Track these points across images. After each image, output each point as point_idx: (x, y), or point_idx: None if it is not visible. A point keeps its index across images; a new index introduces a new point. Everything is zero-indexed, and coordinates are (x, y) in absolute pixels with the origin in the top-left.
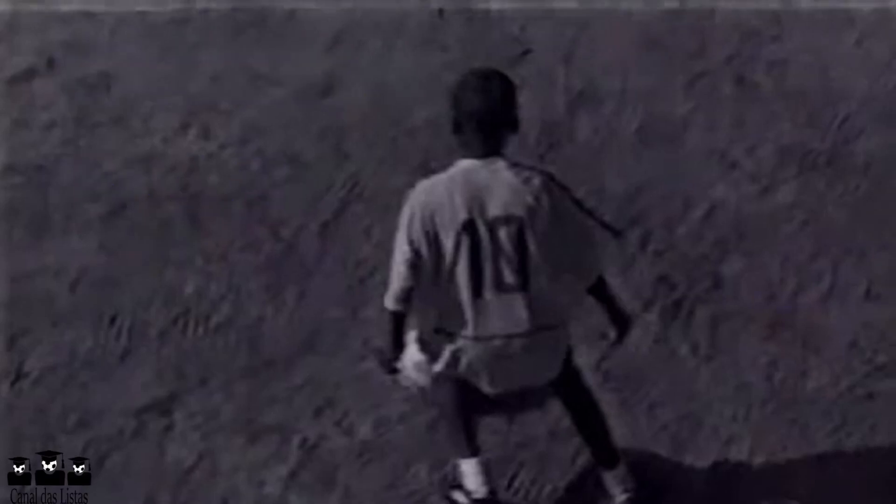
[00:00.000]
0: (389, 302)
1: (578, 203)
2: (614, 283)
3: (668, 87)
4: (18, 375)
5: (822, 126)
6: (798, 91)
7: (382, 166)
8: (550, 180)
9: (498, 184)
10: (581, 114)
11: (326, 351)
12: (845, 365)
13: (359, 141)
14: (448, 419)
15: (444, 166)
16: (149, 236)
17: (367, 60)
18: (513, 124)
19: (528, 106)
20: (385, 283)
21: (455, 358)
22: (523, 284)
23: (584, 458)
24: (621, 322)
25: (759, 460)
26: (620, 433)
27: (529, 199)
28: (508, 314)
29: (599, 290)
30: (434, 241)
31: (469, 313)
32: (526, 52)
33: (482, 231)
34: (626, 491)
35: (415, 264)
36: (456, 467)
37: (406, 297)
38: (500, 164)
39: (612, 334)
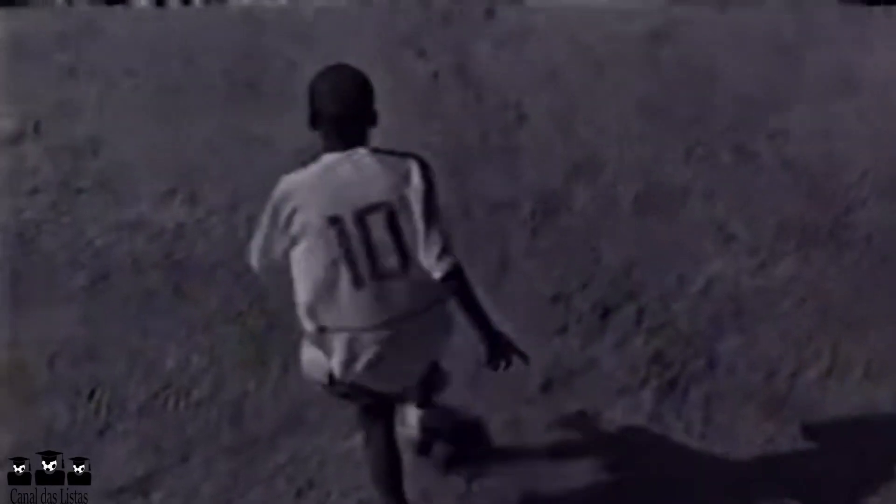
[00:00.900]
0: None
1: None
2: (608, 360)
3: (666, 155)
4: None
5: (823, 198)
6: (799, 162)
7: None
8: (420, 163)
9: (362, 174)
10: (578, 183)
11: (310, 428)
12: (844, 445)
13: None
14: (375, 474)
15: None
16: (131, 306)
17: None
18: (370, 118)
19: (524, 174)
20: None
21: (351, 353)
22: (403, 268)
23: None
24: (489, 330)
25: None
26: None
27: (397, 183)
28: (392, 299)
29: (459, 281)
30: (294, 237)
31: (352, 305)
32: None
33: (349, 224)
34: (424, 431)
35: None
36: None
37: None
38: (362, 153)
39: (485, 355)
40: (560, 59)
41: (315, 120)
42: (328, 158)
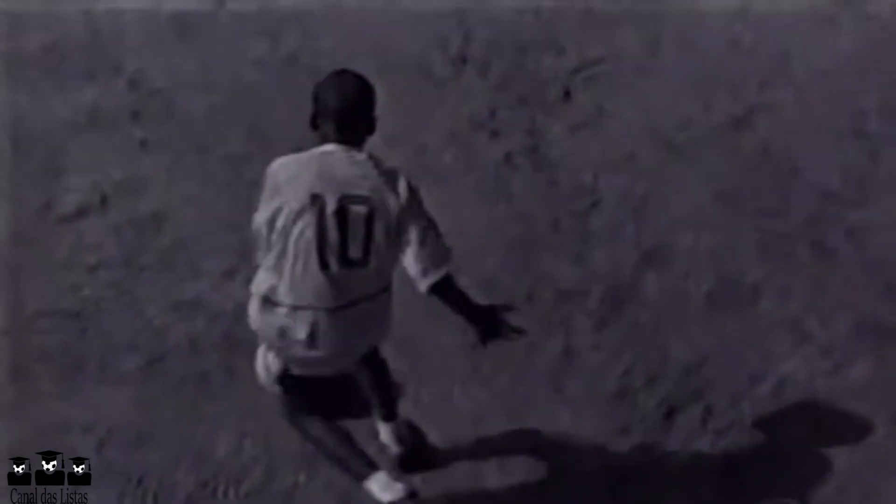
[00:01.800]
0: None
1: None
2: (671, 459)
3: (741, 248)
4: None
5: None
6: (879, 260)
7: (433, 326)
8: (404, 177)
9: (354, 166)
10: (649, 273)
11: None
12: None
13: (412, 296)
14: (332, 449)
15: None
16: (186, 389)
17: (429, 210)
18: (369, 125)
19: (595, 262)
20: None
21: (302, 330)
22: (365, 260)
23: None
24: (480, 317)
25: None
26: None
27: (383, 187)
28: (351, 285)
29: (446, 291)
30: (276, 211)
31: (313, 285)
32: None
33: (330, 206)
34: (401, 443)
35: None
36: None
37: None
38: (360, 153)
39: (476, 336)
40: (637, 143)
41: (316, 120)
42: (326, 146)
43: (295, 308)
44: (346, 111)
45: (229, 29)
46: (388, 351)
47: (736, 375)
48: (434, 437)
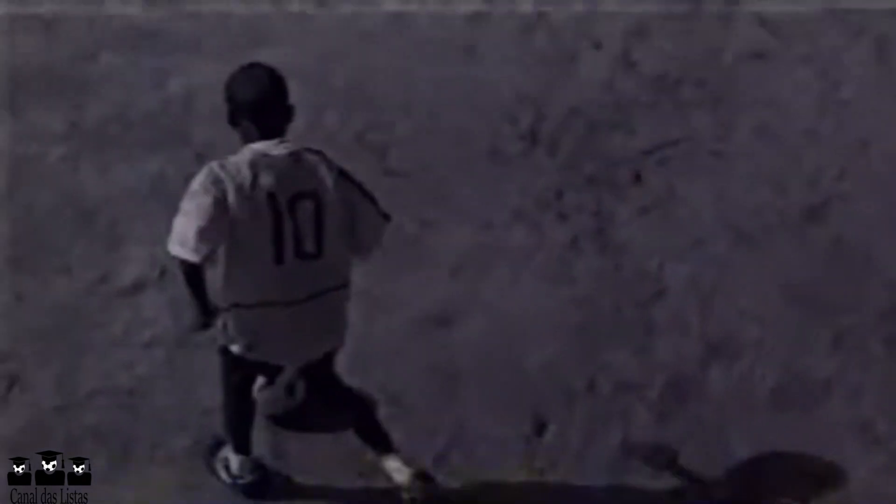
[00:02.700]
0: (189, 253)
1: (359, 186)
2: None
3: (811, 343)
4: None
5: None
6: None
7: (489, 415)
8: (329, 162)
9: (294, 162)
10: (713, 366)
11: None
12: None
13: (468, 382)
14: (232, 420)
15: (558, 416)
16: None
17: (490, 290)
18: (287, 113)
19: (658, 353)
20: None
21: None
22: (319, 252)
23: None
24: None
25: None
26: None
27: (322, 177)
28: (309, 278)
29: None
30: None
31: (271, 280)
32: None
33: (283, 204)
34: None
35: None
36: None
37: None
38: (288, 146)
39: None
40: (706, 230)
41: (234, 116)
42: (257, 145)
43: (259, 304)
44: (264, 103)
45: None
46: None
47: (801, 478)
48: None
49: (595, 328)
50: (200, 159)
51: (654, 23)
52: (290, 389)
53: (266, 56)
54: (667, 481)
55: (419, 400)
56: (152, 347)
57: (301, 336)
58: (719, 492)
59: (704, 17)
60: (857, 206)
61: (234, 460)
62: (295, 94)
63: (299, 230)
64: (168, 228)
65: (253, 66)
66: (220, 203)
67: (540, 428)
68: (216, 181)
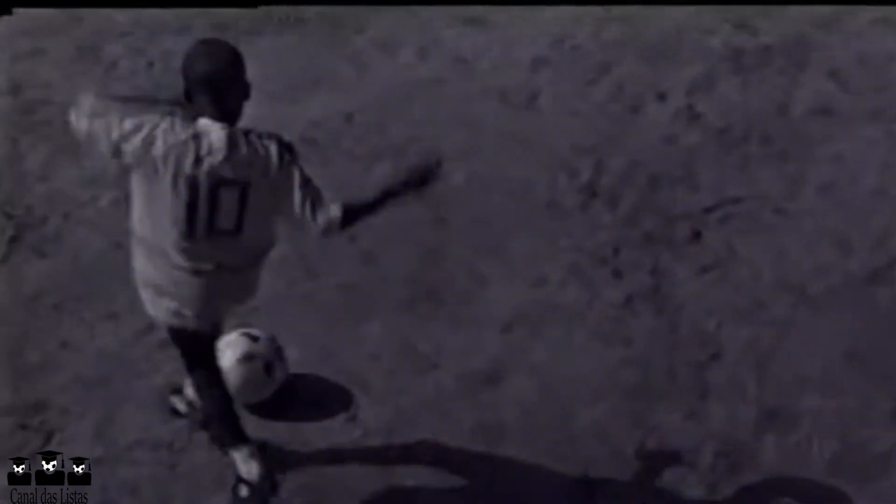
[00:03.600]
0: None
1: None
2: None
3: (871, 413)
4: None
5: None
6: None
7: (535, 476)
8: (284, 147)
9: (229, 148)
10: (768, 434)
11: None
12: None
13: (515, 443)
14: (222, 414)
15: (606, 480)
16: None
17: (541, 349)
18: (244, 90)
19: (711, 419)
20: None
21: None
22: (237, 230)
23: None
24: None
25: None
26: None
27: (259, 164)
28: (218, 252)
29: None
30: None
31: (179, 250)
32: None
33: (203, 188)
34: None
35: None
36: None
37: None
38: (235, 130)
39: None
40: (766, 291)
41: (189, 92)
42: (203, 122)
43: (166, 265)
44: (219, 79)
45: (357, 148)
46: None
47: None
48: None
49: (647, 390)
50: None
51: (720, 74)
52: (268, 369)
53: (324, 100)
54: None
55: (464, 459)
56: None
57: (205, 300)
58: None
59: (773, 69)
60: None
61: (238, 458)
62: (350, 141)
63: (216, 211)
64: None
65: (210, 41)
66: (135, 131)
67: (587, 491)
68: (150, 131)
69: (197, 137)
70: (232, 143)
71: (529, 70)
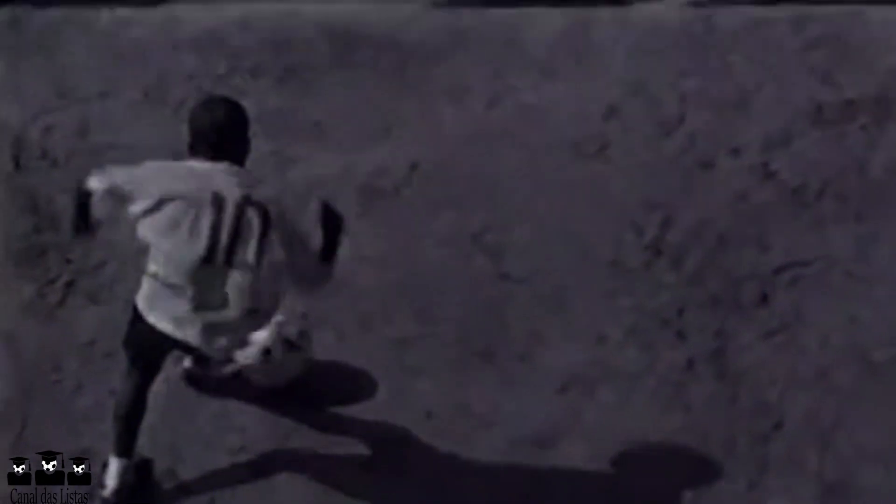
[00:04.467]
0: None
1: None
2: None
3: None
4: None
5: None
6: None
7: None
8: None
9: (239, 176)
10: None
11: None
12: None
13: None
14: (123, 417)
15: None
16: None
17: (596, 411)
18: (245, 146)
19: (770, 491)
20: None
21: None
22: (257, 264)
23: None
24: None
25: None
26: None
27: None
28: (232, 291)
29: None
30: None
31: (193, 279)
32: None
33: (230, 207)
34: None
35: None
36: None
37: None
38: (227, 165)
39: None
40: (832, 359)
41: (192, 147)
42: (193, 161)
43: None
44: (221, 135)
45: (419, 199)
46: None
47: None
48: None
49: (704, 459)
50: None
51: (797, 130)
52: (266, 352)
53: (390, 148)
54: None
55: None
56: (240, 452)
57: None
58: None
59: (853, 126)
60: None
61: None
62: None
63: (238, 237)
64: None
65: (214, 98)
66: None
67: None
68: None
69: (203, 171)
70: (235, 172)
71: (602, 119)
